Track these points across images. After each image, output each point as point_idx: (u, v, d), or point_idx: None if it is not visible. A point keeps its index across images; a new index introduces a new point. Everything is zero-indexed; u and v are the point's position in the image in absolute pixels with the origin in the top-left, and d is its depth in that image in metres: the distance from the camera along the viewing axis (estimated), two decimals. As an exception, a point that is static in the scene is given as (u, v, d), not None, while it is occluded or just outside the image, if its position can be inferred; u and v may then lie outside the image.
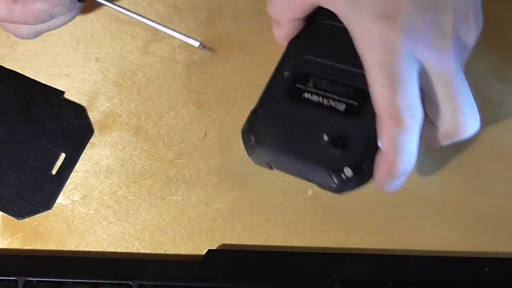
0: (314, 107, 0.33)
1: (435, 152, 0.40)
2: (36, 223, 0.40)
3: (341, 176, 0.31)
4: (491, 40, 0.41)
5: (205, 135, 0.41)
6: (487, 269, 0.37)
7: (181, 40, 0.40)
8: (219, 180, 0.40)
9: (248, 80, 0.41)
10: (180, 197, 0.40)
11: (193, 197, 0.40)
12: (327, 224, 0.39)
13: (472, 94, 0.31)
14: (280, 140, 0.32)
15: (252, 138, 0.33)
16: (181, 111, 0.41)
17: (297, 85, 0.33)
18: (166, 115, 0.41)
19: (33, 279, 0.38)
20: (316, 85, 0.33)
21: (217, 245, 0.39)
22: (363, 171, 0.32)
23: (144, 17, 0.40)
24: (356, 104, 0.32)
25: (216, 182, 0.40)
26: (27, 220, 0.40)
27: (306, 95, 0.33)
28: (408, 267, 0.37)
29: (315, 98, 0.33)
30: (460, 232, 0.39)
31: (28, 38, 0.38)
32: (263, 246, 0.39)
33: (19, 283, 0.37)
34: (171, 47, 0.42)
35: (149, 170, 0.40)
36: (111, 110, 0.41)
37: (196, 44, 0.40)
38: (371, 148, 0.31)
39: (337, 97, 0.33)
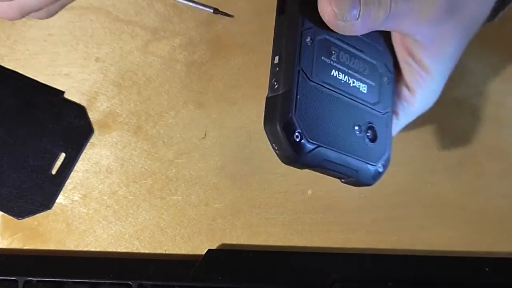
0: (343, 89, 0.28)
1: (435, 153, 0.40)
2: (36, 223, 0.40)
3: (376, 172, 0.29)
4: (491, 40, 0.41)
5: (205, 135, 0.41)
6: (487, 269, 0.37)
7: (194, 8, 0.40)
8: (219, 180, 0.40)
9: (248, 80, 0.41)
10: (180, 197, 0.40)
11: (193, 197, 0.40)
12: (327, 224, 0.39)
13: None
14: (325, 134, 0.27)
15: (297, 135, 0.25)
16: (181, 111, 0.41)
17: (322, 58, 0.27)
18: (166, 115, 0.41)
19: (33, 279, 0.38)
20: (339, 58, 0.28)
21: (217, 245, 0.39)
22: (389, 164, 0.30)
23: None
24: (374, 84, 0.29)
25: (216, 182, 0.40)
26: (27, 220, 0.40)
27: (334, 72, 0.28)
28: (408, 267, 0.37)
29: (342, 77, 0.28)
30: (460, 232, 0.39)
31: (12, 18, 0.30)
32: (263, 246, 0.39)
33: (19, 283, 0.37)
34: (171, 47, 0.42)
35: (149, 170, 0.40)
36: (111, 110, 0.41)
37: (211, 10, 0.40)
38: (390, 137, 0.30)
39: (358, 76, 0.29)
